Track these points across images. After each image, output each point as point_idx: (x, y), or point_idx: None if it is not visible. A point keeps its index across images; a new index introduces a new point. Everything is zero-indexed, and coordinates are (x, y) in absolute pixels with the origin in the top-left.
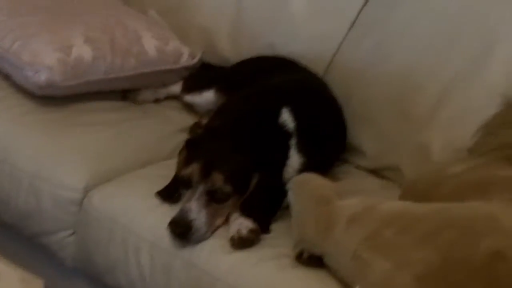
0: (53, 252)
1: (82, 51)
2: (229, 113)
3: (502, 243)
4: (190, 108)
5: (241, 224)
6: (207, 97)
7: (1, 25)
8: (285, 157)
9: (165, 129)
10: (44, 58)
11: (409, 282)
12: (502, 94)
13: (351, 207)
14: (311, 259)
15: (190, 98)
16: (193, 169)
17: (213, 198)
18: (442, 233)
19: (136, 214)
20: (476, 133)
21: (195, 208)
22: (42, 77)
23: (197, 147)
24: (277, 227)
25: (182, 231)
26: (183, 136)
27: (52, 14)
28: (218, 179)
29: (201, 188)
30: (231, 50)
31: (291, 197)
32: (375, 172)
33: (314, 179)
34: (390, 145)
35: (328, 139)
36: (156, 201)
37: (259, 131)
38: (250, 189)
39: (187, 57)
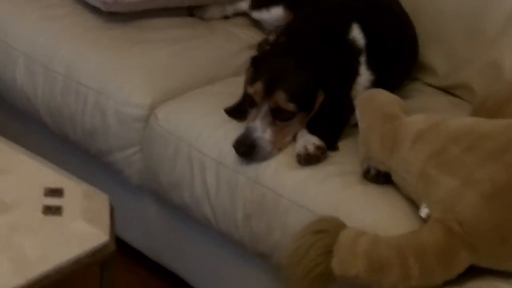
0: (119, 169)
1: None
2: (296, 29)
3: None
4: (258, 25)
5: (308, 141)
6: (275, 14)
7: None
8: (354, 74)
9: (232, 46)
10: None
11: (476, 200)
12: None
13: (418, 123)
14: (378, 176)
15: (258, 14)
16: (258, 87)
17: (277, 117)
18: (510, 150)
19: (202, 131)
20: None
21: (259, 127)
22: None
23: (263, 65)
24: (344, 145)
25: (246, 150)
26: (251, 53)
27: None
28: (281, 97)
29: (265, 107)
30: None
31: (358, 114)
32: (446, 90)
33: (381, 96)
34: (461, 62)
35: (399, 56)
36: (221, 119)
37: (327, 48)
38: (316, 106)
39: None
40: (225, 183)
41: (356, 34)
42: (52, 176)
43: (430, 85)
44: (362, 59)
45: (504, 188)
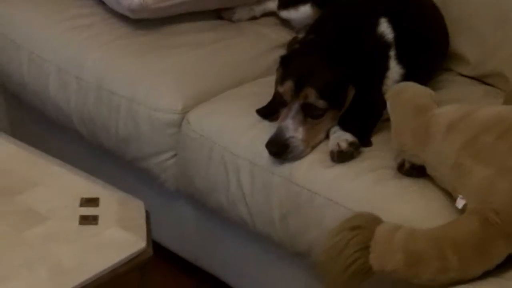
0: (154, 175)
1: None
2: (324, 26)
3: None
4: (287, 24)
5: (340, 138)
6: (303, 12)
7: None
8: (384, 68)
9: (261, 46)
10: None
11: (508, 192)
12: None
13: (449, 114)
14: (412, 169)
15: (286, 13)
16: (287, 86)
17: (309, 114)
18: None
19: (234, 133)
20: None
21: (291, 126)
22: (134, 0)
23: (292, 63)
24: (377, 140)
25: (279, 150)
26: (280, 53)
27: None
28: (311, 94)
29: (296, 105)
30: None
31: (389, 107)
32: (479, 79)
33: (412, 88)
34: (492, 50)
35: (429, 48)
36: (253, 119)
37: (355, 43)
38: (347, 102)
39: None
40: (260, 183)
41: (384, 28)
42: (87, 186)
43: (462, 74)
44: (392, 53)
45: None
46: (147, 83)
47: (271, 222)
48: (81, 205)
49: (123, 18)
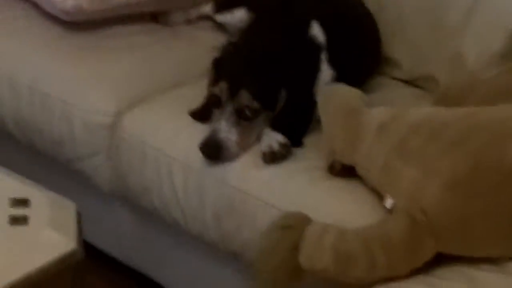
0: (88, 177)
1: None
2: (257, 29)
3: None
4: (222, 28)
5: (272, 139)
6: (238, 16)
7: None
8: (316, 71)
9: (196, 50)
10: None
11: (438, 190)
12: None
13: (380, 116)
14: (343, 170)
15: (221, 17)
16: (221, 88)
17: (242, 116)
18: (470, 138)
19: (168, 135)
20: (510, 36)
21: (224, 128)
22: (69, 3)
23: (225, 66)
24: (309, 140)
25: (212, 151)
26: (214, 56)
27: None
28: (245, 96)
29: (230, 107)
30: None
31: (320, 109)
32: (411, 82)
33: (342, 90)
34: (425, 54)
35: (360, 52)
36: (187, 122)
37: (287, 46)
38: (280, 104)
39: None
40: (193, 185)
41: (316, 31)
42: (18, 187)
43: (396, 78)
44: (323, 56)
45: (465, 176)
46: (81, 86)
47: (204, 223)
48: (11, 205)
49: (57, 20)
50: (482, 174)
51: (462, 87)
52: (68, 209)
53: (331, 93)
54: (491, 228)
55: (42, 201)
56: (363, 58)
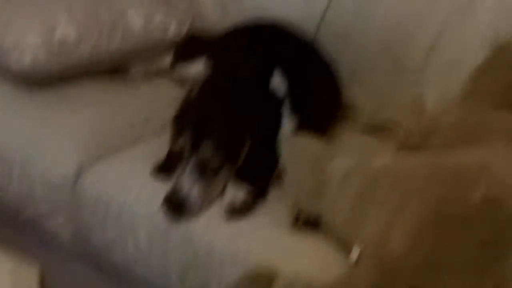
0: (51, 236)
1: (66, 31)
2: (218, 78)
3: (497, 190)
4: (182, 79)
5: (235, 196)
6: (198, 67)
7: None
8: (277, 121)
9: (156, 104)
10: (28, 40)
11: (403, 237)
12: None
13: (343, 166)
14: (307, 224)
15: (181, 69)
16: (184, 141)
17: (205, 170)
18: (432, 185)
19: (130, 191)
20: (469, 78)
21: (187, 184)
22: (26, 60)
23: (186, 120)
24: (274, 191)
25: (175, 209)
26: (176, 108)
27: None
28: (208, 146)
29: (193, 161)
30: (218, 14)
31: (283, 161)
32: (373, 127)
33: (305, 141)
34: (386, 99)
35: (321, 99)
36: (149, 177)
37: (248, 97)
38: (243, 155)
39: (174, 29)
40: (157, 241)
41: (278, 78)
42: None
43: (357, 123)
44: (285, 105)
45: (430, 223)
46: (41, 145)
47: (170, 279)
48: None
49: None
50: (447, 220)
51: (422, 132)
52: (31, 273)
53: (294, 144)
54: (457, 267)
55: (4, 265)
56: (323, 105)
